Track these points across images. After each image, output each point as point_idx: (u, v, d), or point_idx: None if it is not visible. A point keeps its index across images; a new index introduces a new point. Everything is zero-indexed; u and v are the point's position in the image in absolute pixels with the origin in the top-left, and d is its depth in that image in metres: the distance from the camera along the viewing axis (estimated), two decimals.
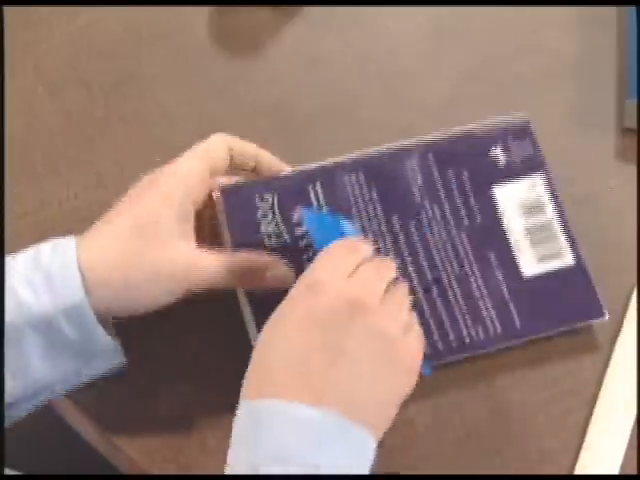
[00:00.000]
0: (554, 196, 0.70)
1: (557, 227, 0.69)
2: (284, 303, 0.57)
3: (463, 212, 0.69)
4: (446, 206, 0.69)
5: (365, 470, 0.53)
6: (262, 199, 0.68)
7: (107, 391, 0.67)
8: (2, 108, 0.73)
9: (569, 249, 0.68)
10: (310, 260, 0.60)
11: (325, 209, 0.68)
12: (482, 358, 0.67)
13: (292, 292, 0.57)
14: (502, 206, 0.69)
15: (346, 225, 0.63)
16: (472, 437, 0.64)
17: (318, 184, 0.68)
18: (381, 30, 0.85)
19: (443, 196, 0.69)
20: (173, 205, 0.61)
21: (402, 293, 0.59)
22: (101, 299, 0.59)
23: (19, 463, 0.56)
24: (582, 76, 0.81)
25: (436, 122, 0.78)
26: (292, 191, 0.68)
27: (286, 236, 0.67)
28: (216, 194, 0.68)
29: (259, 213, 0.67)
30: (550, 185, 0.70)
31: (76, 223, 0.73)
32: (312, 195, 0.68)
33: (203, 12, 0.86)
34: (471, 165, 0.70)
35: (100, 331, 0.59)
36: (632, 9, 0.82)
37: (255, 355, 0.56)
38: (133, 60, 0.83)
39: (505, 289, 0.67)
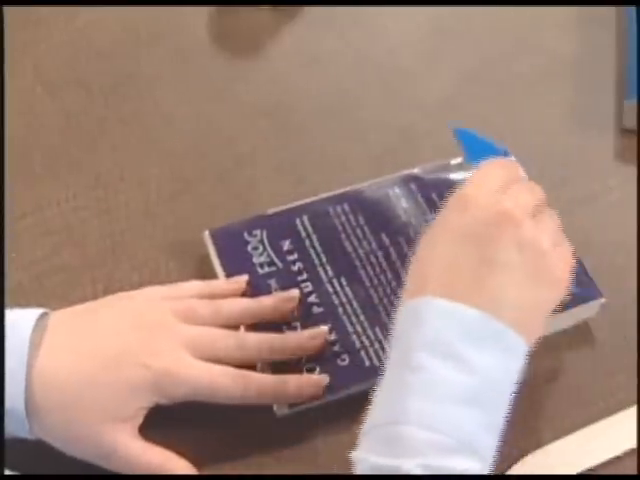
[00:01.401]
0: None
1: None
2: (438, 217, 0.58)
3: None
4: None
5: (515, 375, 0.54)
6: (251, 234, 0.69)
7: None
8: (2, 109, 0.73)
9: None
10: (305, 282, 0.66)
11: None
12: None
13: (445, 207, 0.58)
14: None
15: (499, 149, 0.64)
16: None
17: (305, 217, 0.70)
18: (381, 30, 0.85)
19: (430, 215, 0.70)
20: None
21: (552, 213, 0.60)
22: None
23: (19, 463, 0.56)
24: (581, 76, 0.81)
25: (435, 122, 0.78)
26: (280, 225, 0.69)
27: (279, 263, 0.68)
28: (205, 235, 0.69)
29: (249, 246, 0.68)
30: None
31: (75, 224, 0.73)
32: (300, 227, 0.69)
33: (202, 12, 0.86)
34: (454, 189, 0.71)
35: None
36: (631, 9, 0.82)
37: (412, 266, 0.57)
38: (132, 60, 0.83)
39: None
